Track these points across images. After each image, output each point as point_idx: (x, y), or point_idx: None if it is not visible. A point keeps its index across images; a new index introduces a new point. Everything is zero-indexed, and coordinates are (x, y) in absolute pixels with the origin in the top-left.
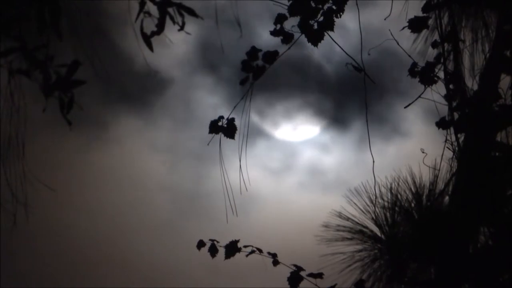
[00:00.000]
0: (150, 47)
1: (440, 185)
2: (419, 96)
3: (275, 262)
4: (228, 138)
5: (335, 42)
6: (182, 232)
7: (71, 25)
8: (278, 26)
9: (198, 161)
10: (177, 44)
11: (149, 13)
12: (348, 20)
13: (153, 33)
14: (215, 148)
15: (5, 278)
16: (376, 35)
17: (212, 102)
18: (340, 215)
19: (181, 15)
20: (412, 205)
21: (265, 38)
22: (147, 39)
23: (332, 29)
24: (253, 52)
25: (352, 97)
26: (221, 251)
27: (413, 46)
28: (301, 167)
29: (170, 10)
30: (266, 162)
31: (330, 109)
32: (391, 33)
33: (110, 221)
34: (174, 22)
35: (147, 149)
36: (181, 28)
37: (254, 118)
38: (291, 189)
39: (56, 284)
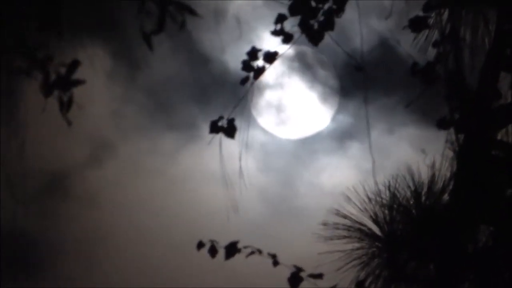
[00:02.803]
0: (150, 47)
1: (439, 184)
2: (419, 95)
3: (275, 263)
4: (229, 138)
5: (336, 42)
6: (274, 233)
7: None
8: (278, 26)
9: (289, 162)
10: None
11: (149, 12)
12: None
13: (153, 32)
14: (306, 149)
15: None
16: None
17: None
18: (338, 213)
19: (181, 14)
20: (411, 202)
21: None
22: (147, 38)
23: (332, 29)
24: (253, 52)
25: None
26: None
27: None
28: (393, 166)
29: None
30: (359, 162)
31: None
32: (391, 33)
33: (200, 222)
34: (174, 21)
35: (239, 149)
36: (181, 27)
37: (348, 119)
38: (382, 189)
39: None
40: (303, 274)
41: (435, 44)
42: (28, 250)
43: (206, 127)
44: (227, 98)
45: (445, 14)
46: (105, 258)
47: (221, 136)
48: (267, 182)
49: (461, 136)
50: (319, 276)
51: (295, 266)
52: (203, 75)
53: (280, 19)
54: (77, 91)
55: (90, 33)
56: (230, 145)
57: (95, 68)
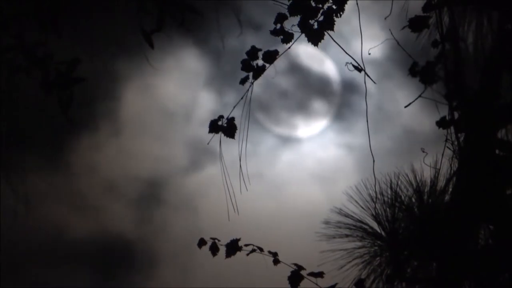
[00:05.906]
0: (151, 45)
1: (442, 182)
2: (420, 96)
3: (276, 261)
4: (228, 138)
5: (335, 41)
6: None
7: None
8: (278, 26)
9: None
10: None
11: (148, 10)
12: None
13: (153, 30)
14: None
15: None
16: None
17: (401, 104)
18: (340, 212)
19: (181, 11)
20: (413, 200)
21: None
22: (148, 37)
23: (332, 29)
24: (253, 51)
25: None
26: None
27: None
28: None
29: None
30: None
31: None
32: (391, 33)
33: (299, 224)
34: (174, 19)
35: (331, 146)
36: (181, 24)
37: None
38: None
39: None
40: (303, 273)
41: (435, 44)
42: (127, 254)
43: (303, 129)
44: (325, 101)
45: (446, 14)
46: (202, 263)
47: (220, 135)
48: (354, 179)
49: (461, 136)
50: (319, 274)
51: (296, 265)
52: (302, 80)
53: (280, 18)
54: (174, 96)
55: (192, 40)
56: (326, 148)
57: (194, 73)
